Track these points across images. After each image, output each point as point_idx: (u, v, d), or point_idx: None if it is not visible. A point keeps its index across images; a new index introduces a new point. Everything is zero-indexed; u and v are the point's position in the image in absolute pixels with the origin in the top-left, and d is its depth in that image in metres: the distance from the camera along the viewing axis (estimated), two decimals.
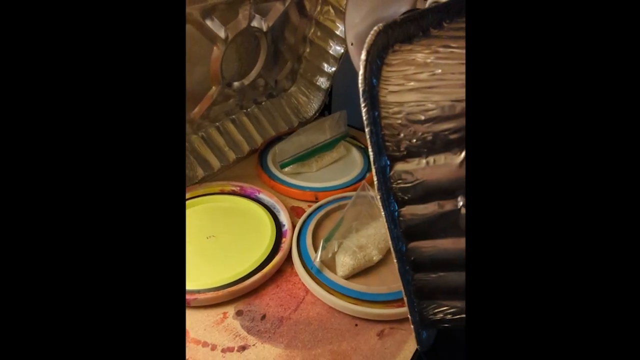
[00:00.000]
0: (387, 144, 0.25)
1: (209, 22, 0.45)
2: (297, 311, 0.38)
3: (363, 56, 0.21)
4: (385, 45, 0.23)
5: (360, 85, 0.22)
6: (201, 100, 0.51)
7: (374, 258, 0.42)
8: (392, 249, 0.28)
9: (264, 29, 0.52)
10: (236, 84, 0.54)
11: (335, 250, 0.42)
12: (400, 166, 0.26)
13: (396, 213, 0.28)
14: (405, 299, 0.30)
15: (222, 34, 0.47)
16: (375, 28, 0.21)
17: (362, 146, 0.63)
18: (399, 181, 0.26)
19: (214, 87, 0.51)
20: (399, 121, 0.23)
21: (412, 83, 0.22)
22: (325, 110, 0.71)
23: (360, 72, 0.22)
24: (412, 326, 0.31)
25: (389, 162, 0.26)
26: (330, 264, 0.42)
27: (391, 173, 0.26)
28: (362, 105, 0.23)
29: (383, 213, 0.27)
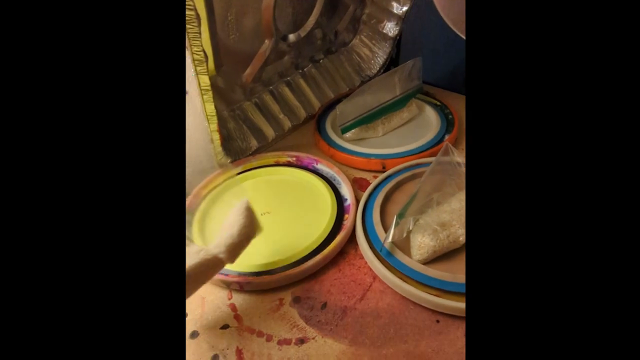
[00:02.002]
0: None
1: None
2: (363, 300, 0.33)
3: None
4: None
5: None
6: (252, 59, 0.47)
7: (461, 239, 0.35)
8: None
9: None
10: (291, 36, 0.49)
11: (410, 228, 0.36)
12: None
13: None
14: None
15: None
16: None
17: (439, 103, 0.54)
18: None
19: (266, 42, 0.47)
20: None
21: None
22: (391, 65, 0.62)
23: None
24: None
25: None
26: (403, 245, 0.36)
27: None
28: None
29: None
